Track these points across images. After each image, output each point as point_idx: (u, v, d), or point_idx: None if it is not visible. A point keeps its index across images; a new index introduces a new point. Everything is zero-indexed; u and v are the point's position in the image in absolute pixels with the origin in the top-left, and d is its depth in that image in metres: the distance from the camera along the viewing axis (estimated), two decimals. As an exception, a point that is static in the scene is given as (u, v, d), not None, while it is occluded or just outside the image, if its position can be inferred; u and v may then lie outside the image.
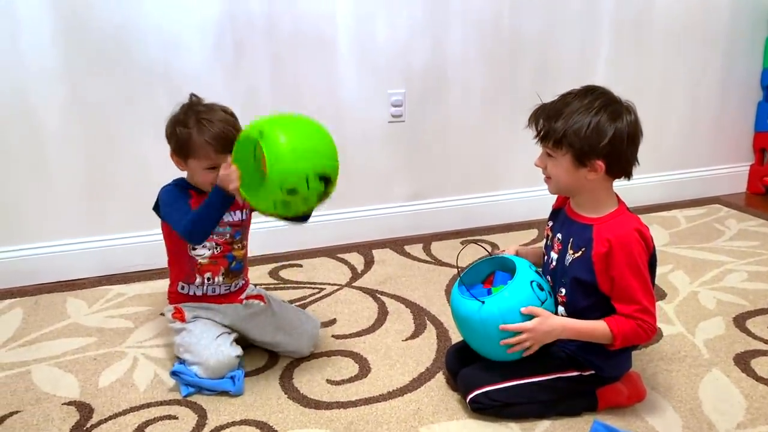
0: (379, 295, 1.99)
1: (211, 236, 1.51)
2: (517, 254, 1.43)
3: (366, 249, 2.37)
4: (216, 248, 1.56)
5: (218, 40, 2.11)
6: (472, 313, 1.30)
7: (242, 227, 1.62)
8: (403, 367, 1.59)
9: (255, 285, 1.78)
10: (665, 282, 2.04)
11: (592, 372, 1.35)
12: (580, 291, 1.31)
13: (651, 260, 1.30)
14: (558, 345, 1.36)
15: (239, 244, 1.62)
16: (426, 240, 2.46)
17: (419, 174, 2.51)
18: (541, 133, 1.29)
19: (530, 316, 1.27)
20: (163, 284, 2.08)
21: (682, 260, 2.23)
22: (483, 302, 1.29)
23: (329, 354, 1.66)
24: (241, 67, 2.16)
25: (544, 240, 1.45)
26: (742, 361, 1.59)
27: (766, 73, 2.93)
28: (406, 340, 1.73)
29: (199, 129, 1.45)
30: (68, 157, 2.06)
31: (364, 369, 1.59)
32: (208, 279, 1.58)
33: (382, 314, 1.87)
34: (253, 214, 1.61)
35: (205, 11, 2.07)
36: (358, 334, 1.76)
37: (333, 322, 1.83)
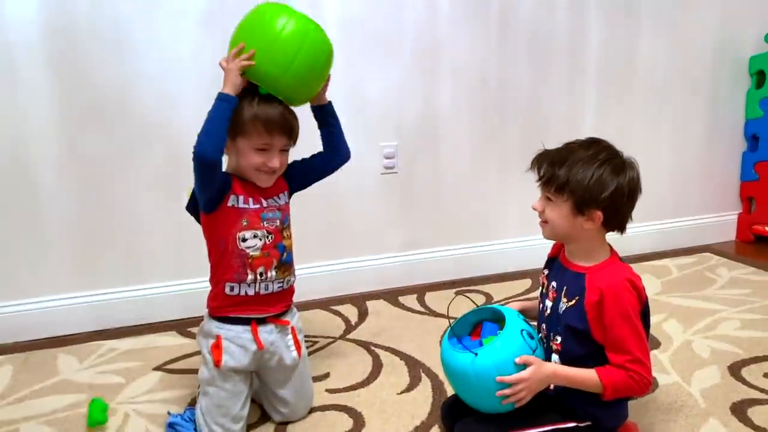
0: (373, 348, 1.98)
1: (262, 224, 1.46)
2: (521, 311, 1.43)
3: (360, 300, 2.37)
4: (267, 237, 1.47)
5: (213, 95, 2.14)
6: (465, 366, 1.30)
7: (288, 212, 1.55)
8: (398, 421, 1.57)
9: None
10: (659, 331, 2.05)
11: (589, 423, 1.34)
12: (575, 339, 1.32)
13: (644, 311, 1.31)
14: (555, 397, 1.36)
15: (287, 232, 1.53)
16: (420, 290, 2.47)
17: (412, 224, 2.53)
18: (544, 178, 1.32)
19: (523, 366, 1.27)
20: (155, 339, 2.07)
21: (675, 309, 2.23)
22: (476, 354, 1.28)
23: (323, 408, 1.63)
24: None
25: (540, 288, 1.46)
26: (739, 411, 1.58)
27: (750, 124, 3.00)
28: (401, 393, 1.71)
29: (254, 104, 1.41)
30: (62, 212, 2.07)
31: (359, 423, 1.56)
32: (261, 275, 1.46)
33: (377, 367, 1.86)
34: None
35: (202, 67, 2.12)
36: (353, 387, 1.74)
37: (327, 375, 1.81)
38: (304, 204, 2.30)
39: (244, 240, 1.44)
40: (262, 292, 1.48)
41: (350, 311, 2.28)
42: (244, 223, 1.44)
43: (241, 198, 1.45)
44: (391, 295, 2.41)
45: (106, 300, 2.16)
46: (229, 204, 1.44)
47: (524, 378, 1.26)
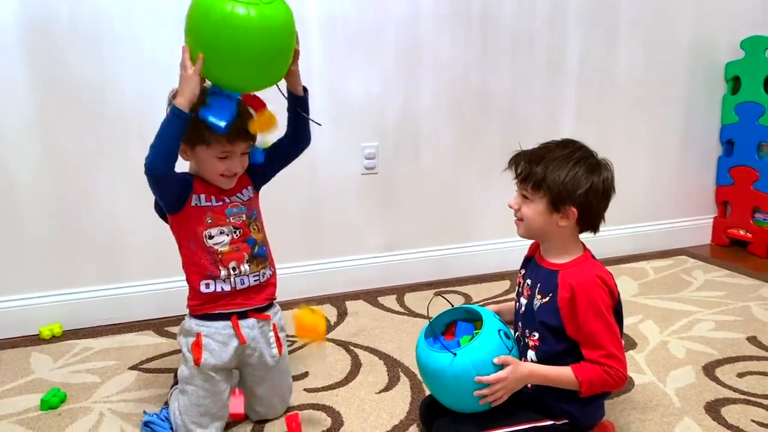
0: (352, 348, 1.98)
1: (227, 219, 1.45)
2: (497, 312, 1.44)
3: (339, 301, 2.37)
4: (235, 232, 1.46)
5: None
6: (443, 366, 1.30)
7: (255, 206, 1.54)
8: (376, 420, 1.57)
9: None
10: (635, 332, 2.07)
11: (566, 421, 1.35)
12: (551, 335, 1.33)
13: (617, 307, 1.33)
14: (532, 395, 1.36)
15: (255, 226, 1.52)
16: (399, 291, 2.47)
17: (392, 225, 2.53)
18: (522, 175, 1.34)
19: (501, 366, 1.28)
20: (132, 338, 2.05)
21: (652, 310, 2.26)
22: (455, 354, 1.29)
23: (302, 407, 1.63)
24: (216, 120, 2.19)
25: (516, 287, 1.47)
26: (713, 410, 1.60)
27: (725, 129, 3.05)
28: (380, 392, 1.71)
29: None
30: (38, 209, 2.04)
31: (337, 422, 1.56)
32: (234, 269, 1.46)
33: (356, 366, 1.86)
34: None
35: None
36: (331, 387, 1.74)
37: (305, 375, 1.80)
38: (284, 204, 2.31)
39: (211, 237, 1.45)
40: (239, 286, 1.47)
41: (329, 311, 2.27)
42: (209, 221, 1.44)
43: (203, 197, 1.45)
44: (371, 296, 2.41)
45: (81, 299, 2.13)
46: (193, 204, 1.44)
47: (502, 378, 1.27)
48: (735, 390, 1.70)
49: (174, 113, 1.32)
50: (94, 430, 1.53)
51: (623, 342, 1.32)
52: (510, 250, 2.60)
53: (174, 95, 1.38)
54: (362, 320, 2.19)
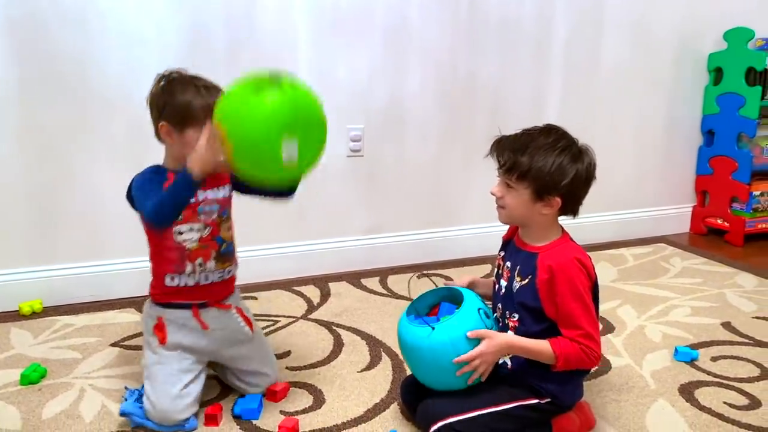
0: (335, 328, 1.99)
1: (198, 217, 1.45)
2: (471, 283, 1.47)
3: (322, 282, 2.37)
4: (205, 230, 1.47)
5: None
6: (421, 340, 1.32)
7: (228, 205, 1.54)
8: (357, 399, 1.58)
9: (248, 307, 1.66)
10: (614, 316, 2.10)
11: (549, 400, 1.38)
12: (530, 316, 1.35)
13: (594, 289, 1.35)
14: (513, 375, 1.39)
15: (226, 224, 1.53)
16: (383, 273, 2.48)
17: (376, 208, 2.54)
18: (506, 165, 1.34)
19: (478, 341, 1.30)
20: (113, 315, 2.04)
21: (630, 296, 2.30)
22: (433, 328, 1.30)
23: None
24: (200, 98, 2.17)
25: (495, 269, 1.49)
26: (687, 392, 1.64)
27: (706, 120, 3.09)
28: (361, 371, 1.72)
29: (202, 93, 1.38)
30: (18, 185, 2.02)
31: (319, 400, 1.57)
32: (200, 265, 1.47)
33: (338, 346, 1.87)
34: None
35: (166, 40, 2.08)
36: (313, 365, 1.75)
37: (288, 354, 1.81)
38: (268, 183, 2.30)
39: (181, 233, 1.45)
40: (202, 282, 1.50)
41: (313, 292, 2.28)
42: (180, 218, 1.41)
43: None
44: (354, 277, 2.42)
45: (62, 275, 2.11)
46: None
47: (479, 353, 1.29)
48: (708, 373, 1.74)
49: (189, 180, 1.31)
50: (75, 405, 1.53)
51: (599, 324, 1.34)
52: (491, 235, 2.61)
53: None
54: (345, 301, 2.20)
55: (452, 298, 1.42)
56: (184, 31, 2.11)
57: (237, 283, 1.62)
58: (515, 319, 1.38)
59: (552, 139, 1.32)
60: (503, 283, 1.42)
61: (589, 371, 1.48)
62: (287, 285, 2.33)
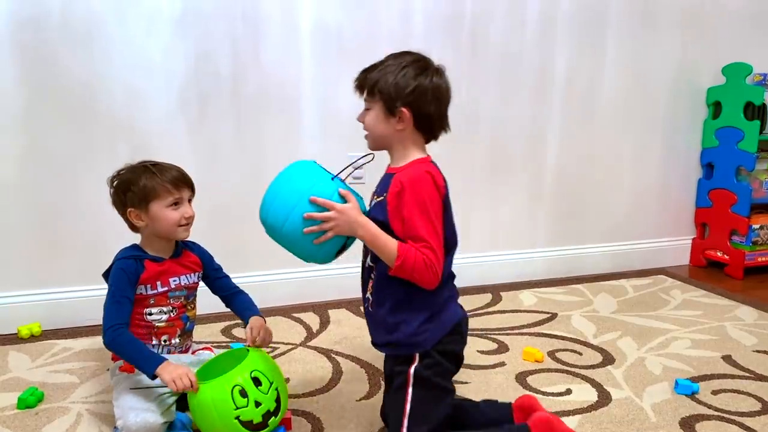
0: (333, 355, 1.98)
1: (168, 301, 1.56)
2: None
3: (322, 309, 2.37)
4: (172, 311, 1.58)
5: (183, 96, 2.15)
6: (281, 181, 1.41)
7: (195, 289, 1.65)
8: (356, 428, 1.57)
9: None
10: (614, 347, 2.10)
11: (423, 351, 1.39)
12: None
13: (444, 202, 1.39)
14: (386, 334, 1.44)
15: (192, 305, 1.65)
16: (382, 302, 2.47)
17: (377, 236, 2.54)
18: (357, 83, 1.42)
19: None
20: (112, 339, 2.03)
21: (630, 327, 2.29)
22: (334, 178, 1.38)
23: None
24: (204, 123, 2.20)
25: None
26: (688, 425, 1.63)
27: (706, 153, 3.12)
28: (360, 400, 1.72)
29: (152, 173, 1.52)
30: (21, 208, 2.03)
31: (317, 428, 1.56)
32: (165, 341, 1.58)
33: (337, 374, 1.86)
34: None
35: (172, 66, 2.11)
36: (312, 393, 1.74)
37: (286, 381, 1.80)
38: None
39: (150, 314, 1.56)
40: (164, 354, 1.55)
41: (312, 319, 2.27)
42: (152, 302, 1.55)
43: (149, 286, 1.54)
44: (354, 305, 2.42)
45: (62, 299, 2.11)
46: (138, 292, 1.53)
47: (338, 208, 1.33)
48: (709, 407, 1.73)
49: (148, 373, 1.40)
50: (71, 430, 1.52)
51: (442, 240, 1.37)
52: (492, 263, 2.64)
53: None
54: (344, 329, 2.20)
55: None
56: (190, 57, 2.15)
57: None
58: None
59: (402, 59, 1.39)
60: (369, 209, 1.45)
61: (437, 304, 1.45)
62: (286, 312, 2.33)
